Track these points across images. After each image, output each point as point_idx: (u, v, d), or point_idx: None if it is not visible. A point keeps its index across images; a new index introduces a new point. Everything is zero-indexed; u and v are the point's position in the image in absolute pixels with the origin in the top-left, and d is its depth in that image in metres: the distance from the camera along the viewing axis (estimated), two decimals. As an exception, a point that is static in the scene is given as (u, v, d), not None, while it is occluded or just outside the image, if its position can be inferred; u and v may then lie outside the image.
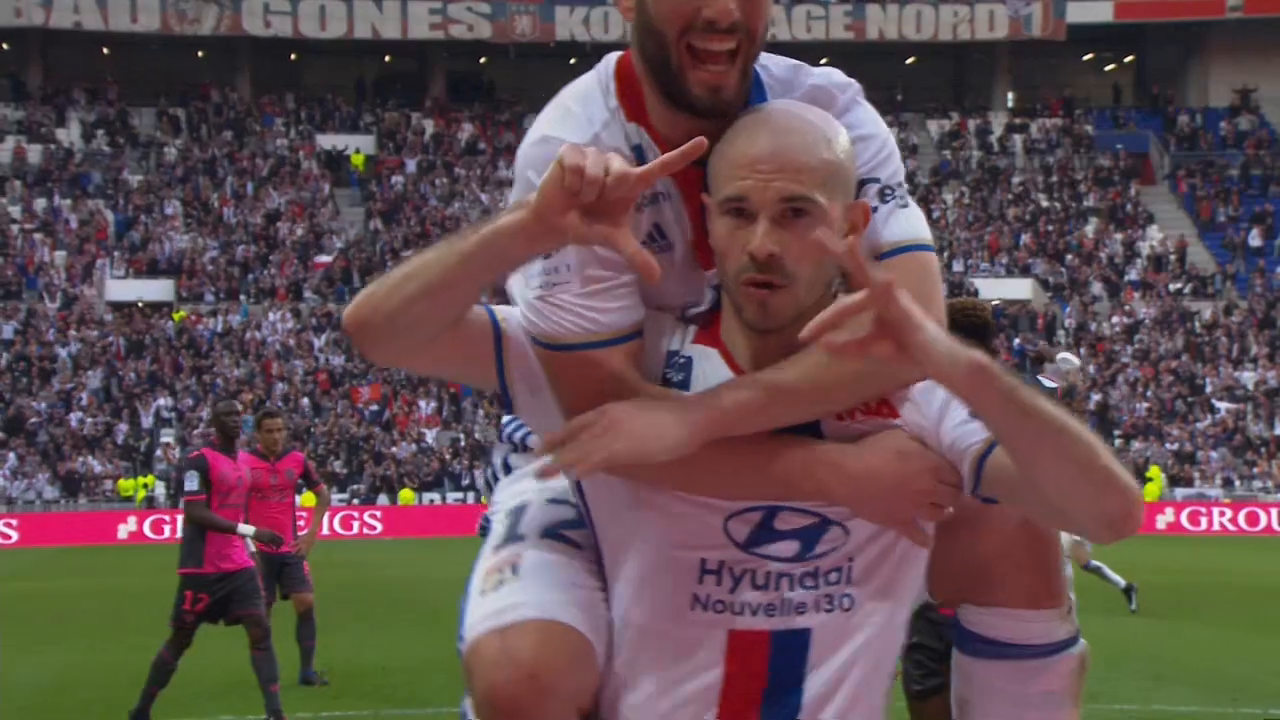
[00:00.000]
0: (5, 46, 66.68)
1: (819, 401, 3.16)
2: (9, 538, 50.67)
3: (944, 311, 3.23)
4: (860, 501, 3.10)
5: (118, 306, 59.88)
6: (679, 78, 3.08)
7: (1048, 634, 3.35)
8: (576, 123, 3.20)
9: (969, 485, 3.14)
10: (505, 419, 3.74)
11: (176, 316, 59.97)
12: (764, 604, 3.11)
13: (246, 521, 15.62)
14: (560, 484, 3.40)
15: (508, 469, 3.69)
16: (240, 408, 18.10)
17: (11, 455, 54.79)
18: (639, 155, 3.11)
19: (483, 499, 4.02)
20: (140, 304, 59.93)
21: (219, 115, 68.53)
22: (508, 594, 3.20)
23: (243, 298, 61.12)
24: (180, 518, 19.42)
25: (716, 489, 3.11)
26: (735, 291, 3.08)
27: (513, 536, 3.35)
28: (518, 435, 3.67)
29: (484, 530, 3.58)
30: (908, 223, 3.25)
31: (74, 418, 55.97)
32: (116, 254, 62.34)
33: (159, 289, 60.79)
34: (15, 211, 63.47)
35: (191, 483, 15.23)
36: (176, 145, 67.50)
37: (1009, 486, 3.08)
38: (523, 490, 3.52)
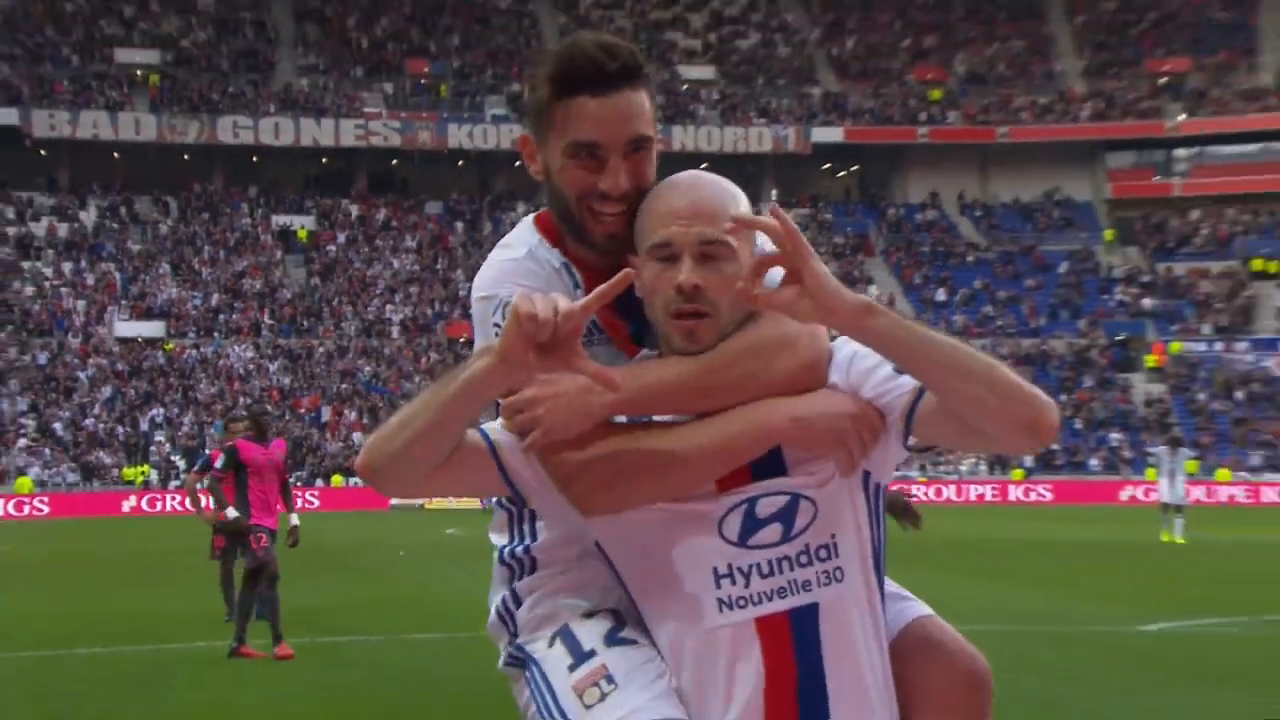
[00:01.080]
0: (43, 152, 64.90)
1: (716, 391, 2.74)
2: (41, 511, 49.53)
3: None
4: (804, 439, 2.72)
5: (123, 341, 57.65)
6: (582, 229, 2.85)
7: None
8: (512, 248, 2.98)
9: (901, 437, 2.75)
10: (503, 544, 3.13)
11: (166, 348, 58.27)
12: (776, 588, 2.74)
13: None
14: (584, 601, 3.02)
15: (517, 600, 3.07)
16: (270, 409, 18.95)
17: (46, 451, 52.85)
18: (566, 270, 2.90)
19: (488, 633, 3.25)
20: (139, 339, 57.97)
21: (199, 201, 66.26)
22: (619, 702, 2.77)
23: (216, 334, 59.25)
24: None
25: (696, 469, 2.72)
26: (665, 324, 2.78)
27: (583, 654, 2.87)
28: (520, 551, 3.09)
29: (517, 661, 3.03)
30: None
31: (89, 422, 54.08)
32: (123, 302, 59.79)
33: (154, 328, 58.65)
34: (48, 272, 61.18)
35: (219, 464, 15.27)
36: (168, 223, 65.38)
37: (935, 426, 2.72)
38: (551, 614, 2.99)
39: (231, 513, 15.34)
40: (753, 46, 72.00)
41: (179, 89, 66.19)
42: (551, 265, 2.89)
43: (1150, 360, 61.38)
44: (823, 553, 2.77)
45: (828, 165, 71.15)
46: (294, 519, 15.50)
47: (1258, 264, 64.75)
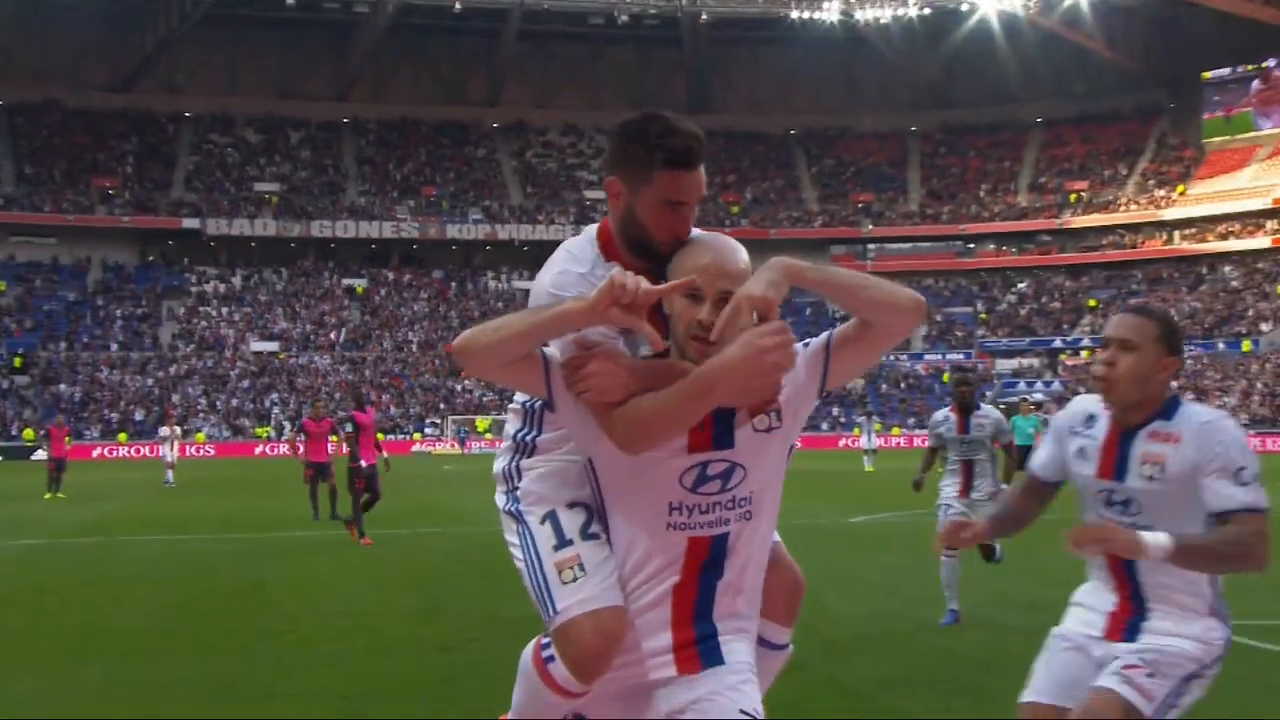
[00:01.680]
0: (213, 244, 66.77)
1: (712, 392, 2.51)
2: (209, 453, 51.17)
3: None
4: (736, 377, 2.42)
5: (255, 353, 60.48)
6: (656, 248, 2.66)
7: (783, 639, 2.99)
8: (577, 261, 2.74)
9: (819, 381, 2.63)
10: (516, 428, 2.97)
11: (280, 357, 59.81)
12: (706, 521, 2.64)
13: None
14: (572, 492, 2.82)
15: (519, 472, 2.93)
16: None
17: (212, 418, 55.70)
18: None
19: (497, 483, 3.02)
20: (265, 352, 60.70)
21: (300, 271, 67.47)
22: (584, 587, 2.65)
23: (308, 350, 61.38)
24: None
25: (664, 423, 2.52)
26: (684, 341, 2.58)
27: (564, 540, 2.73)
28: (529, 438, 2.94)
29: (515, 516, 2.88)
30: None
31: (235, 401, 57.26)
32: (255, 331, 62.53)
33: (273, 346, 61.33)
34: (213, 313, 63.58)
35: (349, 427, 14.34)
36: (281, 284, 66.71)
37: (848, 342, 2.63)
38: (544, 495, 2.85)
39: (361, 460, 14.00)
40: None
41: (290, 205, 67.80)
42: (601, 274, 2.68)
43: None
44: (744, 503, 2.67)
45: (675, 250, 73.26)
46: (385, 456, 14.61)
47: None
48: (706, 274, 2.61)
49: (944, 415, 9.26)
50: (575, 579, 2.72)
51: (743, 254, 2.67)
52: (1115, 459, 3.44)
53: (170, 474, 28.76)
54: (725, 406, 2.63)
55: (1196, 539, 3.24)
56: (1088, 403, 3.63)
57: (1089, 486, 3.55)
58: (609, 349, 2.63)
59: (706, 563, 2.70)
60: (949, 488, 9.16)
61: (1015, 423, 23.83)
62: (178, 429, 33.47)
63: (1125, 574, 3.46)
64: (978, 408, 9.09)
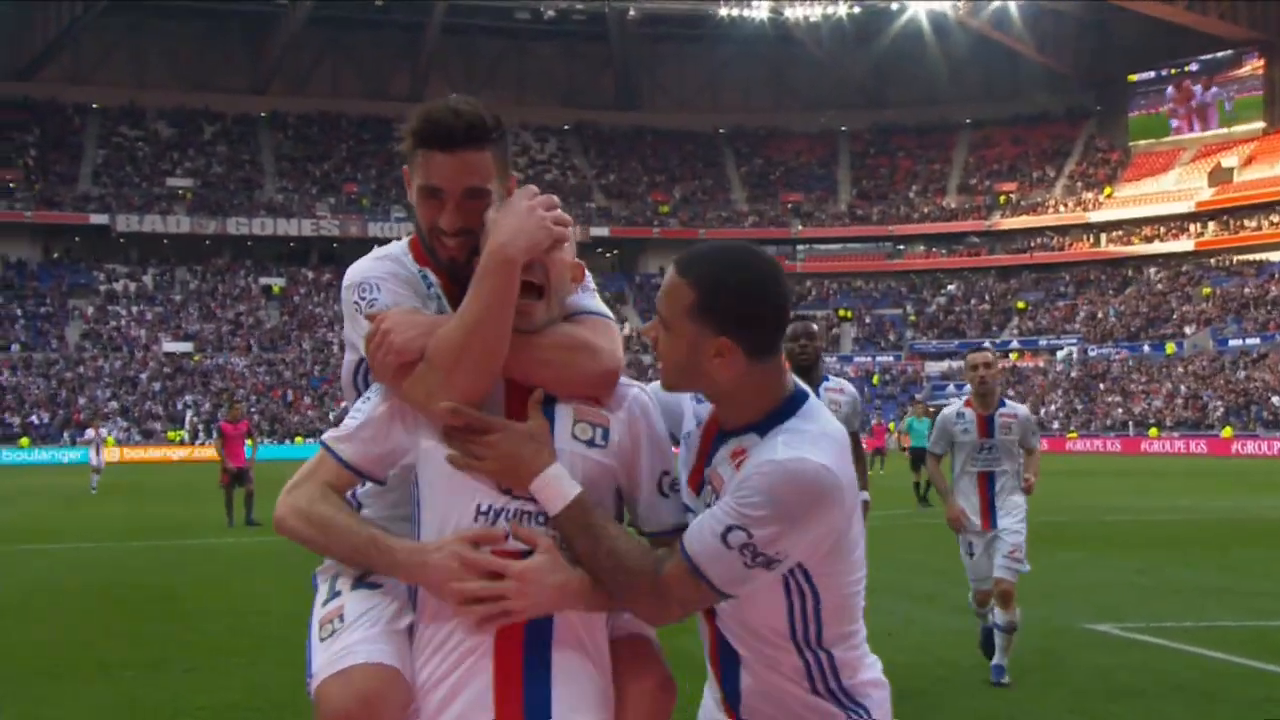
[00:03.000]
0: (122, 240, 66.19)
1: (524, 364, 2.25)
2: (117, 458, 49.05)
3: (619, 347, 2.35)
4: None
5: (168, 354, 59.61)
6: (431, 250, 2.41)
7: None
8: (385, 255, 2.45)
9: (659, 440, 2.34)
10: None
11: (194, 359, 59.57)
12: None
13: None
14: None
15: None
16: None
17: (120, 420, 53.61)
18: (423, 278, 2.41)
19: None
20: (178, 353, 59.88)
21: (215, 270, 67.33)
22: (337, 641, 2.25)
23: (224, 350, 60.68)
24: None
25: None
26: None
27: (334, 593, 2.36)
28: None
29: (315, 587, 2.48)
30: (594, 301, 2.43)
31: (147, 405, 55.80)
32: (168, 331, 61.80)
33: (186, 346, 60.75)
34: (123, 312, 62.45)
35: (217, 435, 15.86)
36: (194, 283, 65.61)
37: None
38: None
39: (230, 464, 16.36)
40: (554, 177, 71.92)
41: (204, 201, 67.03)
42: (412, 272, 2.44)
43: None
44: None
45: (600, 249, 70.76)
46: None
47: (842, 312, 70.89)
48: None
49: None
50: (333, 633, 2.35)
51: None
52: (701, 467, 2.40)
53: (95, 479, 28.41)
54: (549, 394, 2.30)
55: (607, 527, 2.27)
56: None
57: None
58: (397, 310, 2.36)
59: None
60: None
61: (910, 424, 25.07)
62: (103, 432, 32.74)
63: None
64: (825, 379, 6.72)
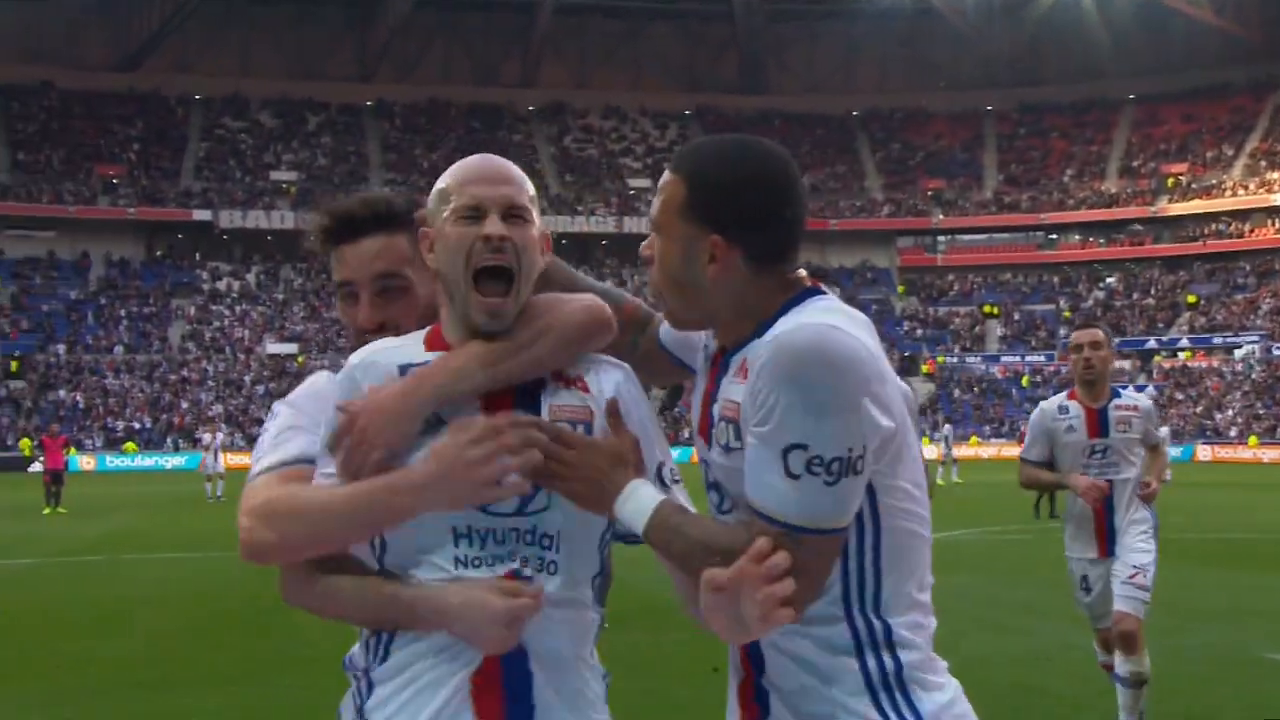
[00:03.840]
0: (225, 237, 67.86)
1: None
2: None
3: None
4: (433, 493, 1.93)
5: (270, 355, 61.37)
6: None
7: None
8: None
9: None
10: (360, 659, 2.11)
11: (298, 361, 60.36)
12: (501, 553, 1.98)
13: None
14: None
15: None
16: None
17: (224, 425, 53.34)
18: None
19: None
20: (281, 354, 61.37)
21: (320, 266, 66.27)
22: None
23: (329, 350, 60.80)
24: None
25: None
26: (467, 294, 2.02)
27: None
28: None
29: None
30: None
31: (251, 408, 57.29)
32: (271, 331, 63.56)
33: (290, 348, 61.83)
34: (227, 312, 65.08)
35: None
36: (299, 280, 67.66)
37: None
38: None
39: None
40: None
41: (309, 195, 66.81)
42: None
43: (925, 369, 65.83)
44: (546, 543, 2.02)
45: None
46: None
47: (987, 308, 70.24)
48: (486, 181, 2.12)
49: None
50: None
51: (522, 174, 2.19)
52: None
53: (210, 487, 29.02)
54: (530, 380, 2.11)
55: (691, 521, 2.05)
56: None
57: None
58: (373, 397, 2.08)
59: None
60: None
61: None
62: (220, 435, 33.21)
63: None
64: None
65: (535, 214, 2.15)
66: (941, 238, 74.41)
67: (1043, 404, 6.69)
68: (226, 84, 74.39)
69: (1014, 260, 73.00)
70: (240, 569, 12.31)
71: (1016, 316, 70.34)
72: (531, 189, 2.17)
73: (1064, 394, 6.61)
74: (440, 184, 2.16)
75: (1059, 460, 6.51)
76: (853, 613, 1.97)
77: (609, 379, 2.17)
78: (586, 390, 2.14)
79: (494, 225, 2.06)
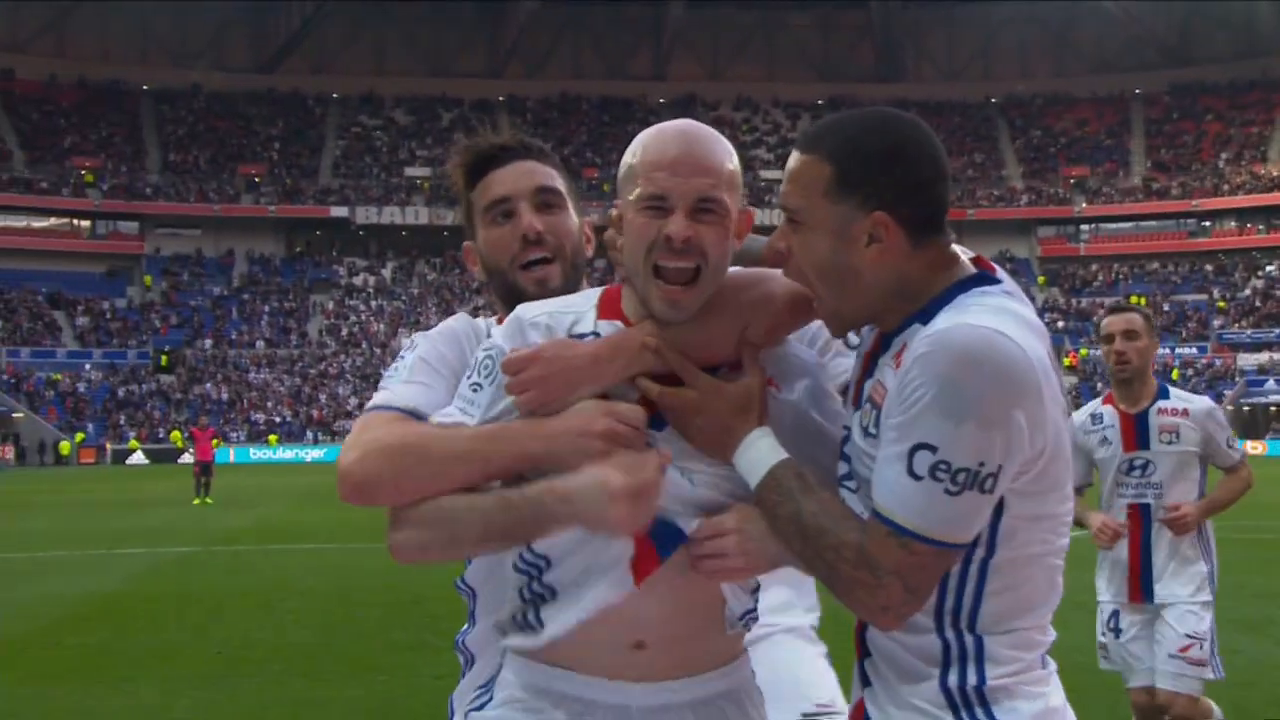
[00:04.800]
0: (361, 233, 69.73)
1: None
2: None
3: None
4: (551, 459, 1.86)
5: None
6: (514, 287, 2.28)
7: None
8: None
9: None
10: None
11: None
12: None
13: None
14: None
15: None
16: None
17: None
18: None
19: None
20: None
21: (454, 261, 67.54)
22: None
23: None
24: None
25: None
26: (646, 282, 1.95)
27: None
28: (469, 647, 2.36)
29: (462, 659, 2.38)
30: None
31: None
32: (407, 325, 63.37)
33: None
34: (363, 306, 66.65)
35: None
36: (433, 275, 69.24)
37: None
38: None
39: None
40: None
41: (442, 191, 67.51)
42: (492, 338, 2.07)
43: (1067, 361, 64.00)
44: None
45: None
46: None
47: (1133, 299, 65.72)
48: (675, 169, 1.98)
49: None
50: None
51: (725, 146, 2.05)
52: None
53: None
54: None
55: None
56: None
57: None
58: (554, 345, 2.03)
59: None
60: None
61: None
62: None
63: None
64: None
65: (734, 199, 2.00)
66: (1085, 226, 73.53)
67: (1074, 413, 5.09)
68: (362, 83, 76.48)
69: (1163, 249, 71.76)
70: (379, 560, 12.16)
71: (1166, 307, 69.11)
72: (732, 165, 2.02)
73: (1099, 399, 5.51)
74: (630, 157, 2.03)
75: (1101, 476, 5.40)
76: (944, 626, 1.88)
77: (800, 384, 2.07)
78: (777, 388, 2.04)
79: (678, 224, 1.95)
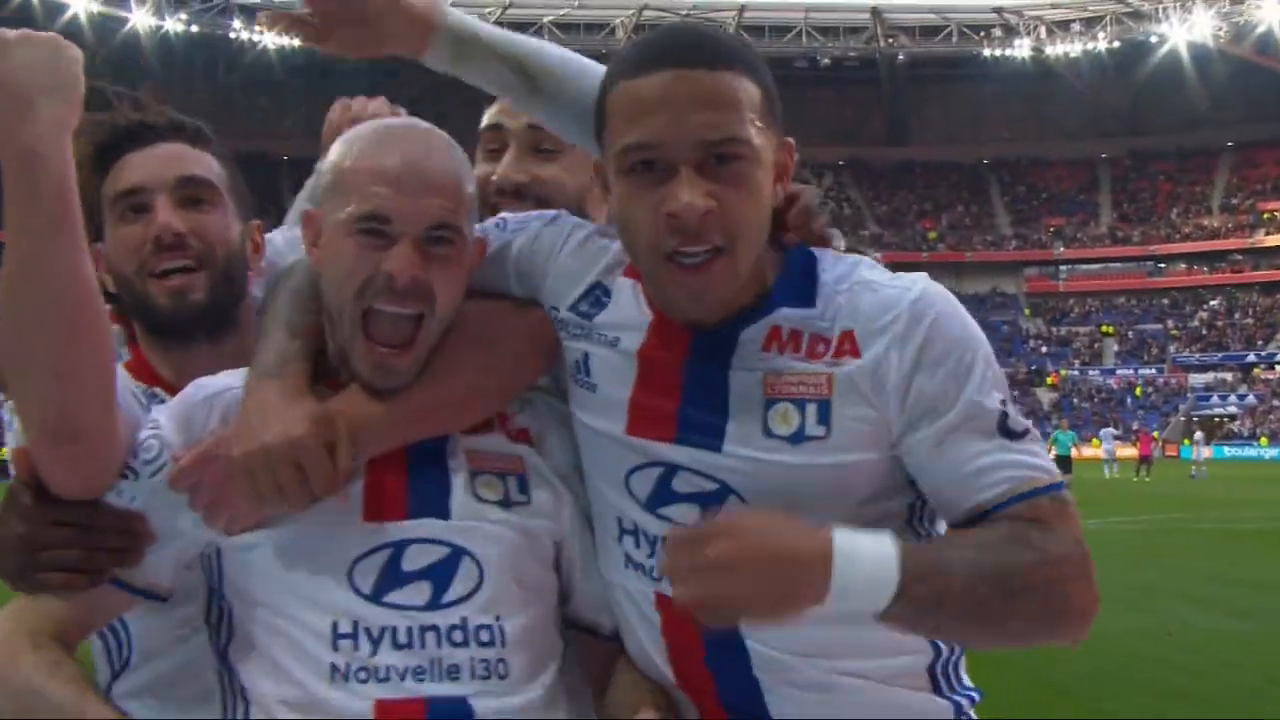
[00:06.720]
0: None
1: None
2: None
3: None
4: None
5: None
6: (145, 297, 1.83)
7: None
8: None
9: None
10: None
11: None
12: (408, 667, 1.45)
13: None
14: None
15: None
16: None
17: None
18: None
19: None
20: None
21: None
22: None
23: None
24: None
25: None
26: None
27: None
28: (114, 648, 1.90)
29: None
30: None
31: None
32: None
33: None
34: None
35: None
36: None
37: None
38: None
39: None
40: (831, 209, 65.86)
41: None
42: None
43: (1050, 381, 70.61)
44: (485, 636, 1.50)
45: (879, 274, 76.65)
46: None
47: (1104, 328, 75.46)
48: (401, 185, 1.55)
49: None
50: None
51: (462, 158, 1.65)
52: None
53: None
54: (435, 435, 1.58)
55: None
56: None
57: None
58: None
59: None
60: None
61: (1056, 437, 26.28)
62: None
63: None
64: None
65: (470, 227, 1.60)
66: (1064, 267, 79.24)
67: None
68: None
69: (1127, 286, 77.98)
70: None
71: (1130, 335, 75.22)
72: (471, 186, 1.61)
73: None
74: (335, 155, 1.61)
75: None
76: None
77: (552, 419, 1.68)
78: (521, 436, 1.66)
79: (404, 258, 1.51)
